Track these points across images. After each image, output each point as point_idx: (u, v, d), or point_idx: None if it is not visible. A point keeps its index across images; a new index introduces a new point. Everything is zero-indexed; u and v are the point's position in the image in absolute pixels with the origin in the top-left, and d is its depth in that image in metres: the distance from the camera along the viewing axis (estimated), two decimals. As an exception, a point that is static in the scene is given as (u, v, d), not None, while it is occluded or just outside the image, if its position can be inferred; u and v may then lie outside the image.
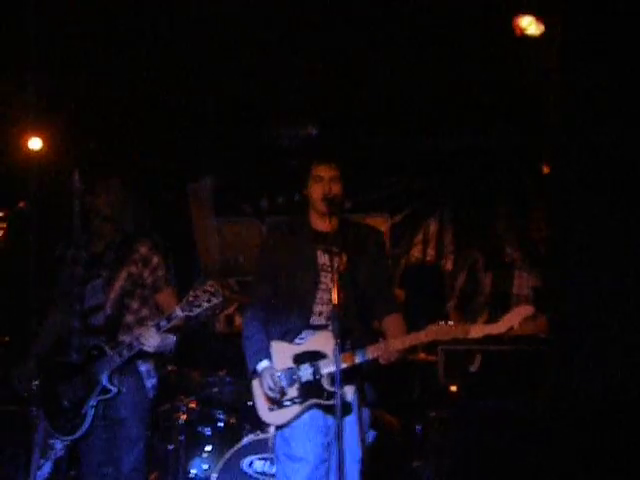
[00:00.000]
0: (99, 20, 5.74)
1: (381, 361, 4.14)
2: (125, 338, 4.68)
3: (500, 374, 5.31)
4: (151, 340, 4.53)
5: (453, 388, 5.79)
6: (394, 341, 4.14)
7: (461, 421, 5.49)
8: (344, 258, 4.20)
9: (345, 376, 3.95)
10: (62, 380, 4.78)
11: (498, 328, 5.43)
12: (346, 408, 4.09)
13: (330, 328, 4.12)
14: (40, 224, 6.44)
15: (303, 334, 4.27)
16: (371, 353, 4.12)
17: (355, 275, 4.25)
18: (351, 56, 6.15)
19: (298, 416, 4.17)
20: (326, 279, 4.25)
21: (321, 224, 4.37)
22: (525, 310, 5.49)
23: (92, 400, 4.68)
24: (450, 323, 4.20)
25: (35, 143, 6.81)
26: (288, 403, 4.16)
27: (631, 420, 4.08)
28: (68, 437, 4.79)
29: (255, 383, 4.28)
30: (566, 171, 4.41)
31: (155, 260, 4.91)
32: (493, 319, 5.57)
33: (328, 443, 4.16)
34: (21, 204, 4.35)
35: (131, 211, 5.04)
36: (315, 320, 4.27)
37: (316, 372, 4.15)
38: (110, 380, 4.66)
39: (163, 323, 4.54)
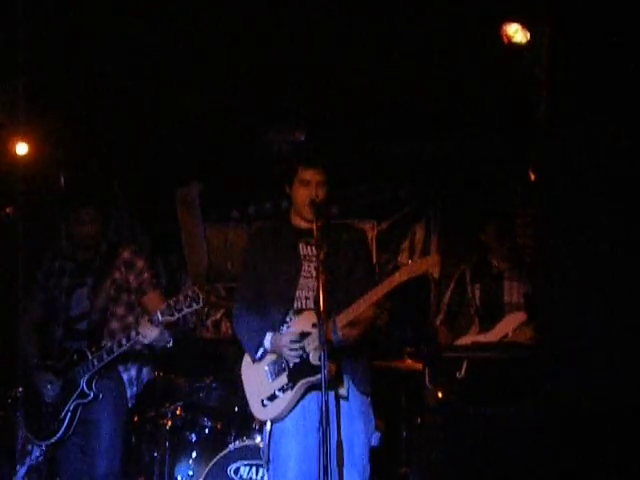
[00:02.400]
0: (86, 27, 5.74)
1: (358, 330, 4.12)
2: (107, 343, 4.66)
3: (486, 381, 5.32)
4: (149, 332, 4.51)
5: (439, 395, 5.80)
6: (364, 297, 4.06)
7: (447, 428, 5.49)
8: (324, 250, 4.12)
9: (332, 353, 3.90)
10: (42, 384, 4.78)
11: (492, 337, 5.46)
12: (335, 382, 4.07)
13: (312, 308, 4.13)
14: (26, 229, 6.44)
15: (288, 321, 4.25)
16: (352, 311, 4.05)
17: (336, 267, 4.22)
18: (339, 62, 6.16)
19: (292, 404, 4.13)
20: (309, 268, 4.26)
21: (303, 223, 4.37)
22: (518, 317, 5.53)
23: (70, 404, 4.68)
24: (423, 258, 4.15)
25: (21, 148, 6.80)
26: (280, 393, 4.15)
27: (617, 425, 4.09)
28: (44, 441, 4.80)
29: (247, 377, 4.30)
30: (554, 178, 4.42)
31: (139, 264, 4.93)
32: (484, 329, 5.60)
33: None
34: (7, 209, 4.33)
35: (114, 223, 5.06)
36: (300, 305, 4.26)
37: (302, 351, 4.12)
38: (89, 384, 4.66)
39: (156, 318, 4.51)
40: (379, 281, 4.14)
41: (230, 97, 6.70)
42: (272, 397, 4.18)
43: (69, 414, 4.68)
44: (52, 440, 4.74)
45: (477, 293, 5.86)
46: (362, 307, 4.06)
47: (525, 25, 5.31)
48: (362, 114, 6.86)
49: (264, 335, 4.22)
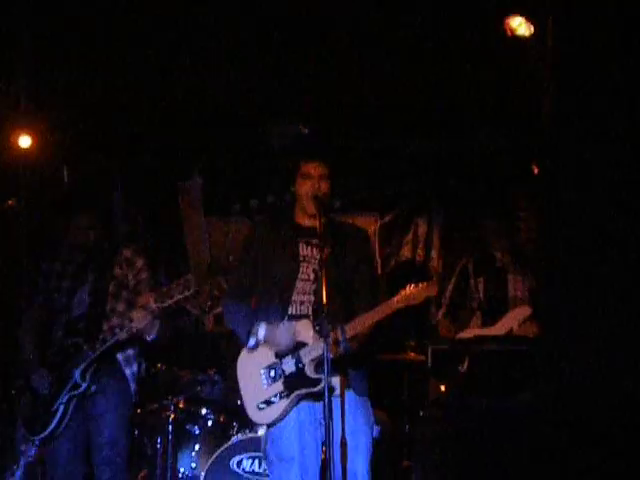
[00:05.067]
0: (88, 20, 5.74)
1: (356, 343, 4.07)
2: (102, 335, 4.67)
3: (489, 374, 5.31)
4: (142, 319, 4.52)
5: (442, 388, 5.80)
6: (369, 314, 4.03)
7: (449, 421, 5.49)
8: (327, 251, 4.11)
9: (335, 364, 3.87)
10: (37, 379, 4.78)
11: (496, 330, 5.45)
12: (333, 392, 4.00)
13: (309, 317, 4.11)
14: (28, 221, 6.46)
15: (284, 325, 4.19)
16: (350, 330, 4.00)
17: (338, 269, 4.18)
18: (343, 57, 6.15)
19: (287, 411, 4.11)
20: (307, 270, 4.22)
21: (305, 220, 4.33)
22: (523, 311, 5.51)
23: (63, 396, 4.67)
24: (421, 284, 4.08)
25: (25, 141, 6.80)
26: (275, 399, 4.11)
27: (619, 419, 4.09)
28: (37, 436, 4.76)
29: (243, 377, 4.27)
30: (557, 171, 4.42)
31: (139, 263, 4.95)
32: (487, 323, 5.59)
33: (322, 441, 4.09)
34: (10, 201, 4.33)
35: (112, 223, 5.06)
36: (295, 310, 4.21)
37: (298, 361, 4.08)
38: (82, 375, 4.65)
39: (149, 306, 4.50)
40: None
41: (233, 90, 6.70)
42: (268, 402, 4.13)
43: (62, 407, 4.66)
44: (45, 433, 4.70)
45: (481, 286, 5.82)
46: (365, 324, 4.03)
47: (529, 18, 5.31)
48: (365, 109, 6.87)
49: (257, 323, 4.14)
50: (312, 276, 4.15)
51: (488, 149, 7.12)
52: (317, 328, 4.04)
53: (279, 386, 4.12)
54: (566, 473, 4.21)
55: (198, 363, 6.64)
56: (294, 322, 4.13)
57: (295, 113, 7.17)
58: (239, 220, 7.97)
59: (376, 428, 4.39)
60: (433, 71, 6.24)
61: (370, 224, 7.60)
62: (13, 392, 5.84)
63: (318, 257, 4.17)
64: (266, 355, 4.17)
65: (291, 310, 4.20)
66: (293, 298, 4.21)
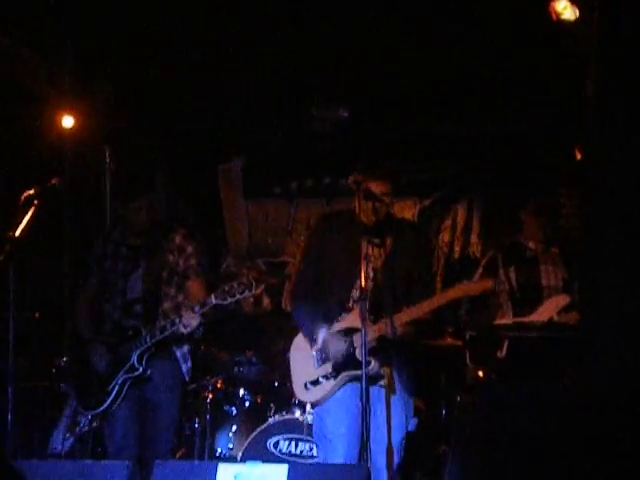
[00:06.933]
0: (132, 2, 5.77)
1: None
2: (161, 322, 4.77)
3: (527, 360, 5.29)
4: (192, 322, 4.64)
5: (480, 374, 5.78)
6: (425, 302, 4.25)
7: (487, 407, 5.47)
8: (385, 249, 4.37)
9: (380, 347, 4.21)
10: (95, 356, 4.88)
11: (537, 318, 5.42)
12: (377, 377, 4.29)
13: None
14: (73, 200, 6.52)
15: (340, 319, 4.41)
16: (406, 315, 4.24)
17: (395, 265, 4.38)
18: (384, 39, 6.13)
19: (331, 392, 4.32)
20: (368, 268, 4.35)
21: (368, 218, 4.44)
22: (561, 300, 5.47)
23: (119, 377, 4.78)
24: (481, 281, 4.37)
25: (68, 121, 6.87)
26: (322, 380, 4.34)
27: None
28: (90, 411, 4.92)
29: (295, 358, 4.47)
30: (601, 157, 4.38)
31: (189, 249, 5.01)
32: (523, 313, 5.56)
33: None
34: (54, 180, 4.38)
35: (164, 205, 5.15)
36: (353, 306, 4.38)
37: (350, 345, 4.29)
38: (139, 359, 4.77)
39: (197, 308, 4.64)
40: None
41: (274, 73, 6.70)
42: (315, 382, 4.36)
43: (117, 387, 4.78)
44: (98, 410, 4.84)
45: (513, 276, 5.77)
46: (422, 310, 4.25)
47: (574, 2, 5.26)
48: (405, 92, 6.83)
49: (318, 327, 4.38)
50: (371, 274, 4.35)
51: (530, 133, 7.06)
52: (371, 317, 4.23)
53: (328, 367, 4.34)
54: (605, 459, 4.18)
55: (236, 344, 6.69)
56: (351, 336, 4.32)
57: (335, 96, 7.16)
58: (278, 202, 7.99)
59: (413, 421, 4.57)
60: (475, 55, 6.20)
61: (409, 208, 7.59)
62: (62, 363, 5.98)
63: (379, 256, 4.39)
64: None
65: (351, 304, 4.40)
66: (352, 294, 4.39)
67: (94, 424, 5.52)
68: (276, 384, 6.13)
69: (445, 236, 7.60)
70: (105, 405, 4.80)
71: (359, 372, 4.07)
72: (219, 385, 6.15)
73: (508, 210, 6.77)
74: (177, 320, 4.65)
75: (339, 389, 4.33)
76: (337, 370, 4.31)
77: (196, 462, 5.37)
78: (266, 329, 6.94)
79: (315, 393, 4.37)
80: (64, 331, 6.46)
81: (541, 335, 5.25)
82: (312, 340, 4.39)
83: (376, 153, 4.56)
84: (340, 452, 4.27)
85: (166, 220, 5.22)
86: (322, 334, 4.37)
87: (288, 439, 5.60)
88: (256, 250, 8.01)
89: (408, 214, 7.50)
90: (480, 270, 5.91)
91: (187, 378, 5.04)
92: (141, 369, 4.77)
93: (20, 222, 4.10)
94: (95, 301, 5.05)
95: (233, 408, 6.15)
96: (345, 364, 4.30)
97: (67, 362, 5.97)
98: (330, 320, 4.39)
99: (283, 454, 5.56)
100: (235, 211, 8.12)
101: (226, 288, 4.52)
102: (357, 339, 4.24)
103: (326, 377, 4.33)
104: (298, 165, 7.78)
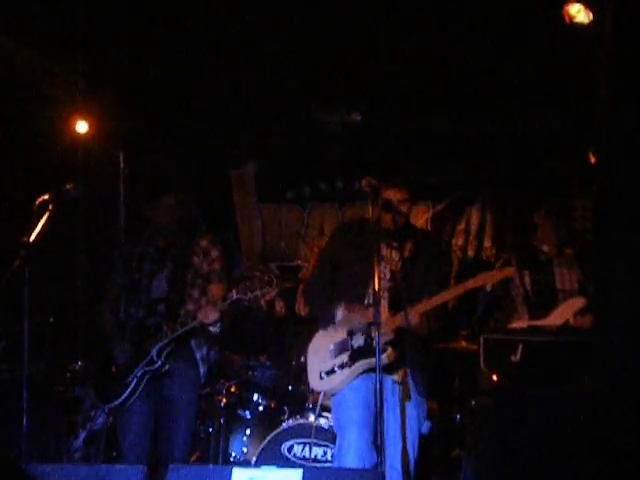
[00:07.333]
0: (145, 6, 5.78)
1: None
2: (182, 319, 4.85)
3: (542, 364, 5.27)
4: (211, 315, 4.74)
5: (494, 377, 5.76)
6: (444, 293, 4.38)
7: (501, 410, 5.46)
8: (403, 253, 4.49)
9: (397, 339, 4.35)
10: (117, 349, 4.95)
11: (552, 322, 5.40)
12: (390, 368, 4.39)
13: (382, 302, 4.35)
14: (87, 206, 6.54)
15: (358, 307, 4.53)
16: (423, 305, 4.34)
17: (413, 269, 4.51)
18: (395, 42, 6.12)
19: (346, 382, 4.44)
20: (385, 269, 4.50)
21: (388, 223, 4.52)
22: (577, 303, 5.44)
23: (138, 370, 4.84)
24: (499, 269, 4.54)
25: (82, 127, 6.89)
26: (338, 369, 4.45)
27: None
28: (108, 404, 4.93)
29: (313, 351, 4.58)
30: (614, 161, 4.36)
31: (214, 253, 5.10)
32: (538, 316, 5.54)
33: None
34: (67, 185, 4.40)
35: (187, 210, 5.22)
36: (369, 302, 4.47)
37: (368, 337, 4.40)
38: (159, 353, 4.83)
39: (218, 302, 4.76)
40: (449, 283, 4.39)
41: (286, 77, 6.71)
42: (330, 372, 4.49)
43: (135, 380, 4.84)
44: (115, 403, 4.87)
45: (527, 280, 5.75)
46: (439, 301, 4.37)
47: (587, 5, 5.25)
48: (417, 95, 6.83)
49: (336, 306, 4.52)
50: (388, 275, 4.51)
51: (543, 136, 7.05)
52: (391, 312, 4.42)
53: (344, 357, 4.45)
54: (618, 462, 4.16)
55: (250, 349, 6.70)
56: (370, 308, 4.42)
57: (347, 99, 7.16)
58: (292, 207, 8.01)
59: (427, 424, 4.66)
60: (489, 56, 6.19)
61: (422, 213, 7.58)
62: (76, 367, 6.01)
63: (396, 258, 4.53)
64: (338, 333, 4.52)
65: (366, 302, 4.52)
66: (368, 292, 4.50)
67: (109, 420, 5.54)
68: (290, 388, 6.14)
69: (459, 240, 7.59)
70: (122, 397, 4.83)
71: (374, 360, 4.12)
72: (233, 389, 6.17)
73: (521, 213, 6.76)
74: (199, 314, 4.75)
75: (354, 379, 4.43)
76: (353, 359, 4.41)
77: (210, 466, 5.35)
78: (280, 334, 6.95)
79: (329, 382, 4.48)
80: (78, 335, 6.48)
81: (556, 339, 5.23)
82: (328, 321, 4.51)
83: (390, 156, 4.61)
84: (352, 440, 4.34)
85: (193, 222, 5.29)
86: (341, 310, 4.49)
87: (302, 443, 5.59)
88: (269, 254, 8.03)
89: (422, 219, 7.50)
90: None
91: (202, 380, 5.11)
92: (160, 362, 4.83)
93: (35, 227, 4.11)
94: (118, 300, 5.10)
95: (247, 412, 6.16)
96: (361, 352, 4.39)
97: (84, 362, 6.04)
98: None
99: (297, 458, 5.56)
100: (248, 216, 8.15)
101: (247, 283, 4.64)
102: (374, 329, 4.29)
103: (342, 366, 4.43)
104: (311, 169, 7.79)
